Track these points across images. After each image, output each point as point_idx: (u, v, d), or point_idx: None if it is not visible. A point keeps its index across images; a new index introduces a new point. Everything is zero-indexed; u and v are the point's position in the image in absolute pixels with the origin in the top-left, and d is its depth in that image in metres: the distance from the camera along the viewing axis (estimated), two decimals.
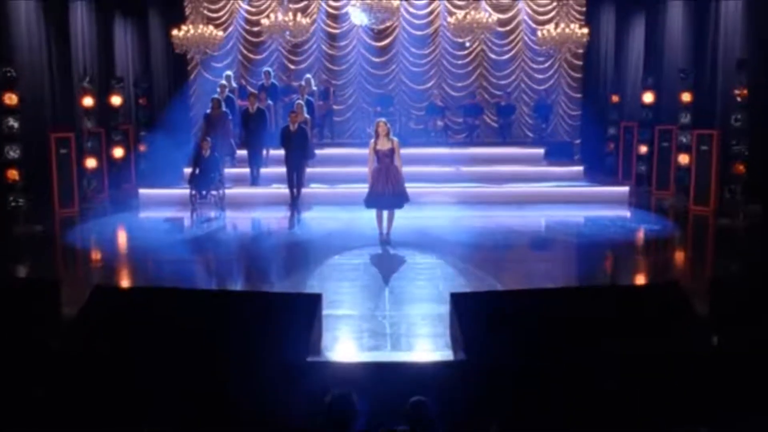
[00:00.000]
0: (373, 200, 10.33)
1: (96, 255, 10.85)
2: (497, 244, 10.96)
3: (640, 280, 9.17)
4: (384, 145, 10.08)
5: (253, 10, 18.70)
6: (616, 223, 12.33)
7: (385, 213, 10.43)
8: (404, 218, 10.66)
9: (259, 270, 9.71)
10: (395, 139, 10.25)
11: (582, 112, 18.62)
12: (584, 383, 5.43)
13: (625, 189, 14.41)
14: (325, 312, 7.00)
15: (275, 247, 10.98)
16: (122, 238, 11.88)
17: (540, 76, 19.00)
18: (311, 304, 6.73)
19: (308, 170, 14.05)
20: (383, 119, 10.39)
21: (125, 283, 9.12)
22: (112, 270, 9.71)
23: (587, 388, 5.38)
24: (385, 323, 7.26)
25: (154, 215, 13.17)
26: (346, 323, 7.33)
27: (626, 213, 13.40)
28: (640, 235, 11.93)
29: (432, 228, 11.57)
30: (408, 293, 8.25)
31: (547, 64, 18.95)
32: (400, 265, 9.46)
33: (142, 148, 16.36)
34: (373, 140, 10.24)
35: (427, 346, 6.74)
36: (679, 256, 10.88)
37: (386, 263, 9.58)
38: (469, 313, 6.55)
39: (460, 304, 6.72)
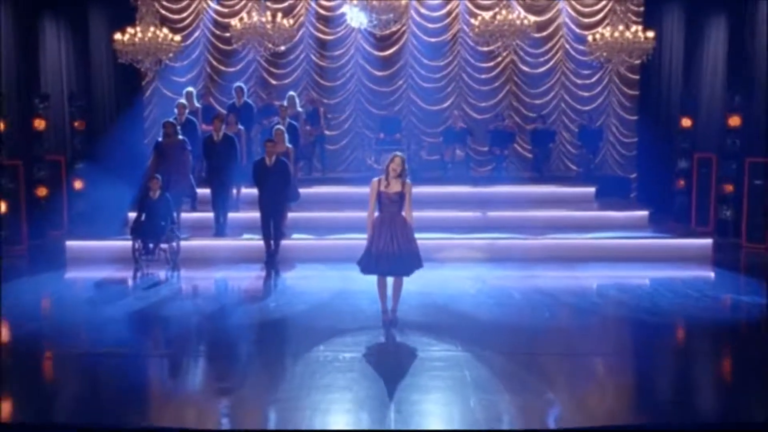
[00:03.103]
0: (371, 263, 9.19)
1: None
2: (543, 324, 9.73)
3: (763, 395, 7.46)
4: (393, 187, 9.09)
5: (225, 10, 18.29)
6: (700, 291, 11.20)
7: (390, 280, 9.37)
8: (414, 283, 9.66)
9: (214, 367, 8.43)
10: (408, 182, 9.20)
11: (639, 139, 18.16)
12: None
13: (707, 242, 13.54)
14: None
15: (241, 330, 9.70)
16: (35, 313, 10.49)
17: (585, 94, 18.47)
18: None
19: (290, 215, 13.61)
20: (401, 154, 9.37)
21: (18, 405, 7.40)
22: (8, 376, 7.98)
23: None
24: None
25: (84, 276, 12.37)
26: None
27: (709, 274, 12.59)
28: (737, 310, 10.61)
29: (452, 298, 10.68)
30: (424, 413, 6.83)
31: (594, 79, 18.40)
32: (410, 362, 8.12)
33: (78, 185, 15.62)
34: (379, 179, 9.20)
35: None
36: None
37: (391, 359, 8.38)
38: None
39: None
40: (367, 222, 9.24)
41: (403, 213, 9.13)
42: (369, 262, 9.16)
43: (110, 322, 9.84)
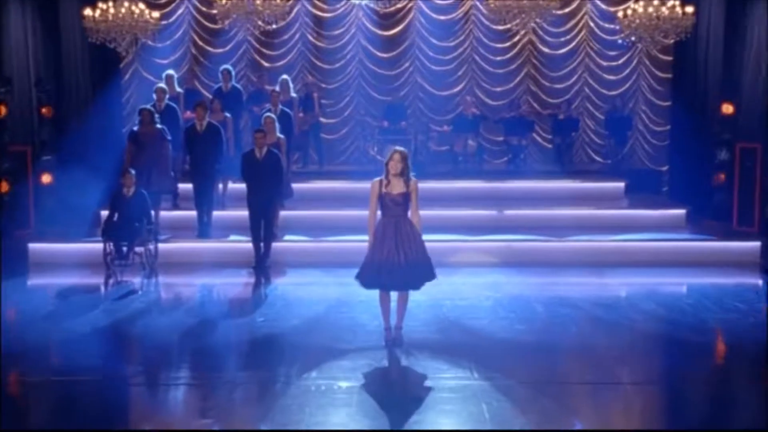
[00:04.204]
0: (373, 276, 8.78)
1: None
2: (570, 344, 9.28)
3: None
4: (396, 187, 8.70)
5: None
6: (749, 303, 10.73)
7: (395, 295, 8.97)
8: (422, 294, 9.35)
9: (191, 399, 7.97)
10: (414, 179, 8.77)
11: (672, 127, 17.87)
12: None
13: (755, 245, 13.26)
14: None
15: (224, 350, 9.30)
16: None
17: (612, 77, 18.31)
18: None
19: (282, 214, 13.51)
20: (401, 148, 9.01)
21: None
22: None
23: None
24: None
25: (48, 283, 12.23)
26: None
27: (758, 282, 12.07)
28: None
29: (466, 312, 10.37)
30: None
31: (621, 60, 18.24)
32: (418, 394, 7.64)
33: (45, 179, 15.27)
34: (379, 179, 8.80)
35: None
36: None
37: (395, 389, 7.98)
38: None
39: None
40: (369, 227, 8.87)
41: (411, 216, 8.74)
42: (370, 275, 8.78)
43: (74, 340, 9.49)
